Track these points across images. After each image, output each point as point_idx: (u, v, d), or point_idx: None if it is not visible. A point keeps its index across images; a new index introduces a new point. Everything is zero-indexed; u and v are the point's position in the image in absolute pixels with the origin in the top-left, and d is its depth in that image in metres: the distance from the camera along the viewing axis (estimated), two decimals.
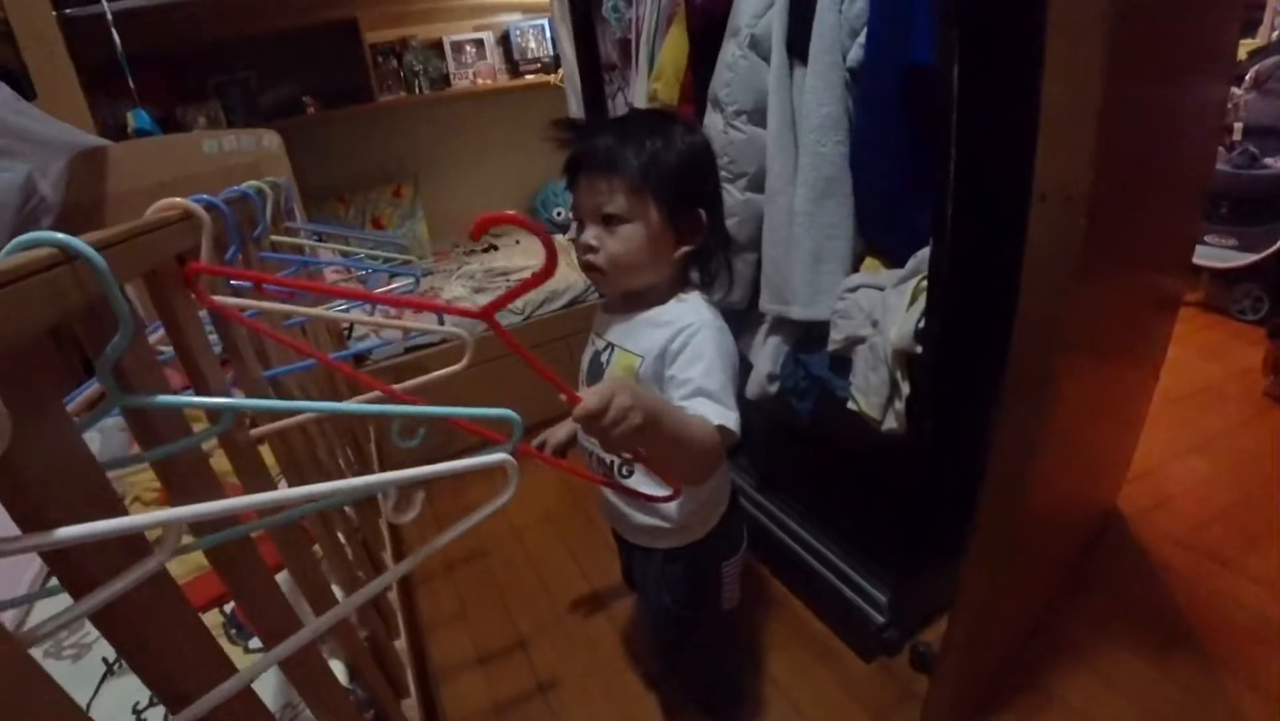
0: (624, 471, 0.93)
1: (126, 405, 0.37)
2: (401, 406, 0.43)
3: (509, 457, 0.41)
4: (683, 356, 0.82)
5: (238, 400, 0.45)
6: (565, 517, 1.85)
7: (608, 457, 0.93)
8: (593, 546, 1.73)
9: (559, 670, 1.38)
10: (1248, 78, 2.42)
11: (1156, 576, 1.43)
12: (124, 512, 0.30)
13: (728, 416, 0.77)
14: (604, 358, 0.92)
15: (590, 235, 0.84)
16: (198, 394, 0.49)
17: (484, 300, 2.13)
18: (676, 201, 0.82)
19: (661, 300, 0.88)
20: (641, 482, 0.90)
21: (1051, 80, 0.61)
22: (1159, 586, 1.40)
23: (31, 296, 0.31)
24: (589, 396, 0.62)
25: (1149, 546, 1.51)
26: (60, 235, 0.34)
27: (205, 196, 0.73)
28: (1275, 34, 2.53)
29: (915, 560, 1.27)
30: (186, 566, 0.96)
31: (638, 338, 0.87)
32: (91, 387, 0.66)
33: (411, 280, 1.48)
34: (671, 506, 0.93)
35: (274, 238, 1.12)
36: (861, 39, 0.99)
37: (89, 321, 0.39)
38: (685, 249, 0.86)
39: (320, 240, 1.85)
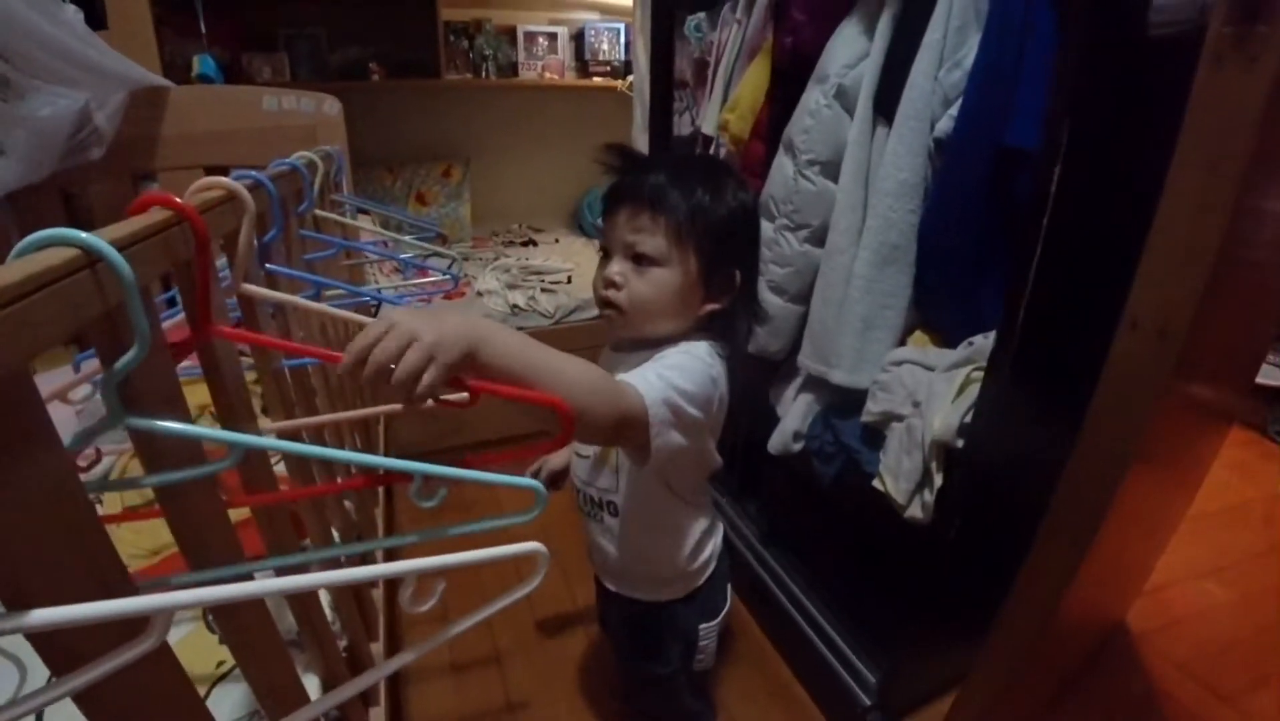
0: (610, 508, 0.90)
1: (130, 426, 0.34)
2: (422, 465, 0.39)
3: (541, 549, 0.37)
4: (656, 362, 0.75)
5: (250, 437, 0.42)
6: (562, 534, 1.81)
7: (597, 495, 0.90)
8: (585, 568, 1.68)
9: (531, 690, 1.34)
10: None
11: (1151, 702, 1.37)
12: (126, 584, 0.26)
13: (651, 386, 0.66)
14: None
15: (615, 269, 0.78)
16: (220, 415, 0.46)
17: (516, 297, 2.11)
18: (715, 257, 0.78)
19: (671, 345, 0.81)
20: (626, 525, 0.88)
21: (1169, 211, 0.57)
22: (1156, 714, 1.34)
23: (46, 310, 0.28)
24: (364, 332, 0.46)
25: (1152, 669, 1.45)
26: (83, 235, 0.31)
27: (252, 173, 0.71)
28: None
29: (911, 645, 1.23)
30: (160, 540, 0.94)
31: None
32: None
33: (444, 269, 1.44)
34: (655, 555, 0.91)
35: (318, 213, 1.10)
36: (954, 110, 0.95)
37: (103, 326, 0.36)
38: (712, 307, 0.81)
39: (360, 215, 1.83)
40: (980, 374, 0.92)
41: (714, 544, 0.99)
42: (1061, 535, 0.75)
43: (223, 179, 0.58)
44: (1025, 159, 0.86)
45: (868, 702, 1.23)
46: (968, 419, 0.90)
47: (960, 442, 0.91)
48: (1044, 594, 0.81)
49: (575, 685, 1.36)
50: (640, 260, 0.77)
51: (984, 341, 0.94)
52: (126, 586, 0.30)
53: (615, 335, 0.86)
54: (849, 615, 1.34)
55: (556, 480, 0.99)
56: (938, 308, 1.07)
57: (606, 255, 0.81)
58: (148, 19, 1.59)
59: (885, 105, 1.02)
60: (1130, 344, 0.62)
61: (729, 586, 1.05)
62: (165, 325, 0.62)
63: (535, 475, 0.96)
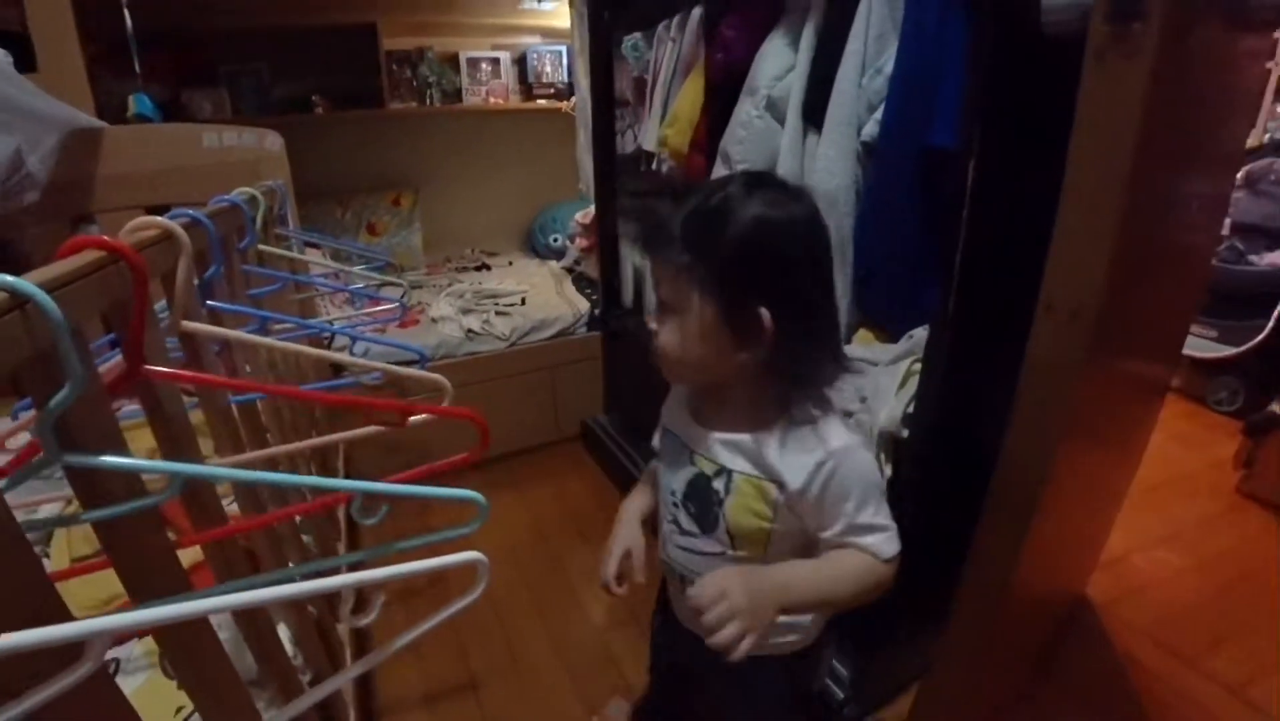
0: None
1: (66, 464, 0.34)
2: (364, 484, 0.40)
3: (481, 558, 0.38)
4: (829, 493, 0.68)
5: (191, 466, 0.42)
6: (529, 555, 1.81)
7: (689, 575, 0.80)
8: (554, 587, 1.69)
9: (508, 716, 1.33)
10: (1239, 176, 2.48)
11: (1121, 670, 1.42)
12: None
13: (893, 543, 0.70)
14: (719, 486, 0.74)
15: (650, 317, 0.73)
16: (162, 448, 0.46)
17: (471, 321, 2.10)
18: (730, 295, 0.65)
19: (775, 417, 0.71)
20: None
21: (1069, 200, 0.61)
22: (1123, 682, 1.39)
23: None
24: (703, 589, 0.62)
25: (1114, 638, 1.50)
26: (8, 278, 0.31)
27: (189, 211, 0.71)
28: (1268, 136, 2.60)
29: (880, 638, 1.25)
30: (111, 590, 0.91)
31: (765, 462, 0.71)
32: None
33: (395, 298, 1.44)
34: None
35: (262, 247, 1.09)
36: (879, 115, 0.99)
37: (36, 367, 0.36)
38: (744, 356, 0.67)
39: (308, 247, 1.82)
40: (920, 365, 0.95)
41: None
42: (1003, 514, 0.78)
43: (158, 218, 0.58)
44: (947, 158, 0.90)
45: (841, 696, 1.25)
46: (910, 409, 0.93)
47: (905, 433, 0.94)
48: (994, 574, 0.84)
49: (554, 710, 1.35)
50: (662, 308, 0.70)
51: (922, 333, 0.98)
52: (62, 615, 0.30)
53: (672, 381, 0.80)
54: None
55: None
56: (879, 305, 1.11)
57: None
58: (79, 60, 1.56)
59: (814, 113, 1.06)
60: (1047, 327, 0.66)
61: None
62: (105, 366, 0.61)
63: (620, 581, 0.81)
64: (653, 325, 0.72)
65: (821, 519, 0.70)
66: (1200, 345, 2.51)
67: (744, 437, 0.72)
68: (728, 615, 0.60)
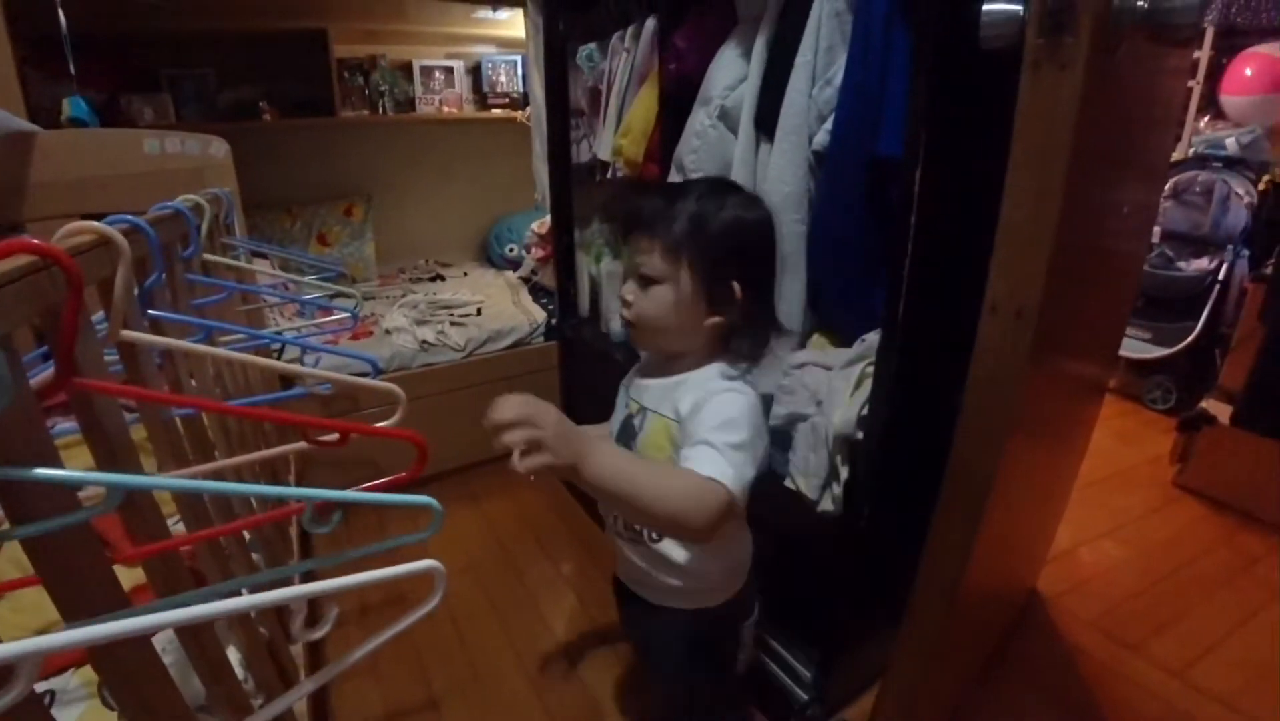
0: (652, 537, 0.91)
1: None
2: (315, 491, 0.39)
3: (438, 566, 0.37)
4: (700, 413, 0.79)
5: (128, 477, 0.40)
6: (488, 568, 1.78)
7: (638, 526, 0.91)
8: (515, 599, 1.66)
9: None
10: (1166, 187, 2.61)
11: (1071, 661, 1.47)
12: None
13: (724, 472, 0.72)
14: (637, 421, 0.90)
15: (627, 290, 0.86)
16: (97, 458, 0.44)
17: (425, 333, 2.07)
18: (712, 271, 0.81)
19: (698, 366, 0.86)
20: (670, 548, 0.90)
21: (1010, 204, 0.63)
22: (1074, 672, 1.44)
23: None
24: (508, 405, 0.66)
25: (1065, 630, 1.55)
26: None
27: (129, 217, 0.68)
28: (1191, 149, 2.75)
29: (841, 637, 1.27)
30: (46, 618, 0.87)
31: (673, 402, 0.85)
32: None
33: (347, 308, 1.41)
34: (703, 570, 0.91)
35: (208, 256, 1.06)
36: (829, 125, 1.01)
37: None
38: (715, 320, 0.83)
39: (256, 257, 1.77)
40: (873, 369, 0.97)
41: (748, 547, 1.00)
42: (955, 512, 0.81)
43: (93, 223, 0.56)
44: (895, 166, 0.93)
45: (805, 697, 1.26)
46: (864, 411, 0.95)
47: (860, 435, 0.96)
48: (947, 571, 0.86)
49: None
50: (644, 281, 0.83)
51: (875, 337, 1.00)
52: None
53: (637, 347, 0.94)
54: (778, 614, 1.37)
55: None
56: (832, 310, 1.13)
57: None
58: (9, 60, 1.49)
59: (766, 123, 1.08)
60: (992, 327, 0.69)
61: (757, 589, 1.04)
62: (38, 379, 0.58)
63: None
64: (629, 297, 0.85)
65: (685, 440, 0.79)
66: (1135, 346, 2.63)
67: (665, 381, 0.88)
68: (527, 439, 0.66)
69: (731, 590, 0.96)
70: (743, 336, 0.86)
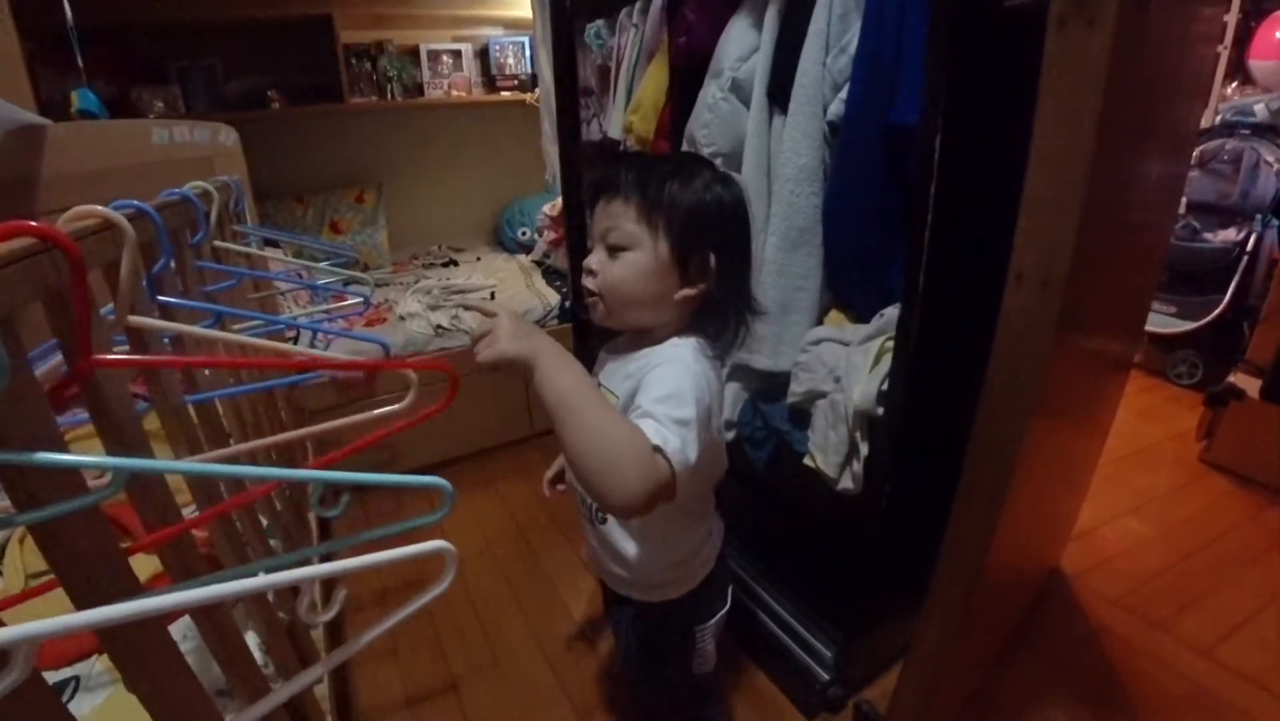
0: (599, 516, 0.90)
1: None
2: (324, 473, 0.38)
3: (448, 546, 0.37)
4: (645, 381, 0.75)
5: (135, 461, 0.39)
6: (507, 551, 1.79)
7: (589, 501, 0.90)
8: (534, 582, 1.67)
9: (491, 715, 1.31)
10: (1194, 156, 2.54)
11: (1095, 639, 1.45)
12: None
13: (668, 441, 0.66)
14: None
15: (594, 259, 0.81)
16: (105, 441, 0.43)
17: (439, 318, 2.07)
18: (686, 239, 0.78)
19: (660, 342, 0.82)
20: (614, 531, 0.88)
21: (1037, 167, 0.60)
22: (1097, 650, 1.42)
23: None
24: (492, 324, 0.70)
25: (1088, 608, 1.53)
26: None
27: (134, 202, 0.67)
28: (1219, 117, 2.66)
29: (862, 617, 1.26)
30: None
31: (623, 377, 0.82)
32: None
33: (361, 296, 1.40)
34: (644, 561, 0.89)
35: (218, 243, 1.06)
36: (844, 94, 0.98)
37: None
38: (686, 292, 0.80)
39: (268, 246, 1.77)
40: (893, 343, 0.95)
41: (712, 545, 0.97)
42: (978, 491, 0.79)
43: (97, 207, 0.55)
44: (912, 134, 0.90)
45: (826, 677, 1.26)
46: (884, 387, 0.93)
47: (880, 410, 0.94)
48: (970, 550, 0.84)
49: (538, 708, 1.33)
50: (614, 250, 0.79)
51: (894, 312, 0.98)
52: None
53: (601, 324, 0.86)
54: (799, 595, 1.37)
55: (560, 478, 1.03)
56: (849, 285, 1.11)
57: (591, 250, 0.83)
58: (17, 55, 1.49)
59: (779, 95, 1.05)
60: (1018, 297, 0.66)
61: (729, 588, 1.01)
62: (46, 368, 0.58)
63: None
64: (595, 266, 0.81)
65: (630, 413, 0.74)
66: (1160, 321, 2.57)
67: (627, 357, 0.84)
68: (484, 331, 0.70)
69: (682, 587, 0.93)
70: (715, 315, 0.83)
